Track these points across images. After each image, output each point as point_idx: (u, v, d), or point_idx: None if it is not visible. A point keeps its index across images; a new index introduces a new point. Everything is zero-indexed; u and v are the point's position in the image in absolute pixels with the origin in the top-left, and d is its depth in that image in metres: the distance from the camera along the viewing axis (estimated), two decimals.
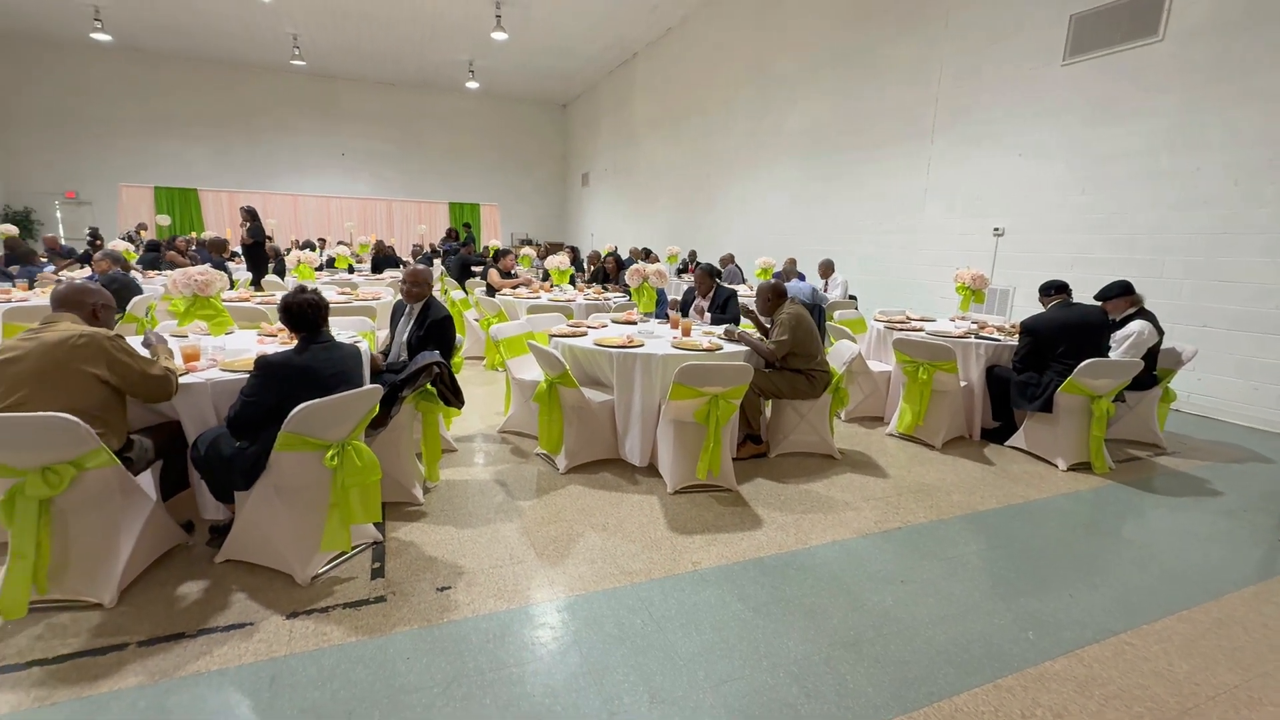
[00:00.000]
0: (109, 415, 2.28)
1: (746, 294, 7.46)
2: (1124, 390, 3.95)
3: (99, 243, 9.54)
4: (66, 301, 2.43)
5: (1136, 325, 4.08)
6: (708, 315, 4.94)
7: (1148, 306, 4.30)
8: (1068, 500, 3.48)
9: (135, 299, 5.05)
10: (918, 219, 7.39)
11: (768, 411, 4.14)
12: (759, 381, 3.75)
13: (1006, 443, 4.31)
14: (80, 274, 6.61)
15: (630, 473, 3.66)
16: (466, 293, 7.49)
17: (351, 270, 9.87)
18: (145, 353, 2.58)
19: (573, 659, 2.05)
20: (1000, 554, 2.84)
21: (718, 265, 9.21)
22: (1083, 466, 3.92)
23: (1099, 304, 4.22)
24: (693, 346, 3.70)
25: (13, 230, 8.65)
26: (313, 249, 11.15)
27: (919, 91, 7.23)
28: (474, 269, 8.50)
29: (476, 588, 2.45)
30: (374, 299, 5.87)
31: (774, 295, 3.98)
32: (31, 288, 5.37)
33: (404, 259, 11.59)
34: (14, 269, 6.71)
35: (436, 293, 4.92)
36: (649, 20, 12.14)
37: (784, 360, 3.80)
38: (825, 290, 7.38)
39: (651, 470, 3.67)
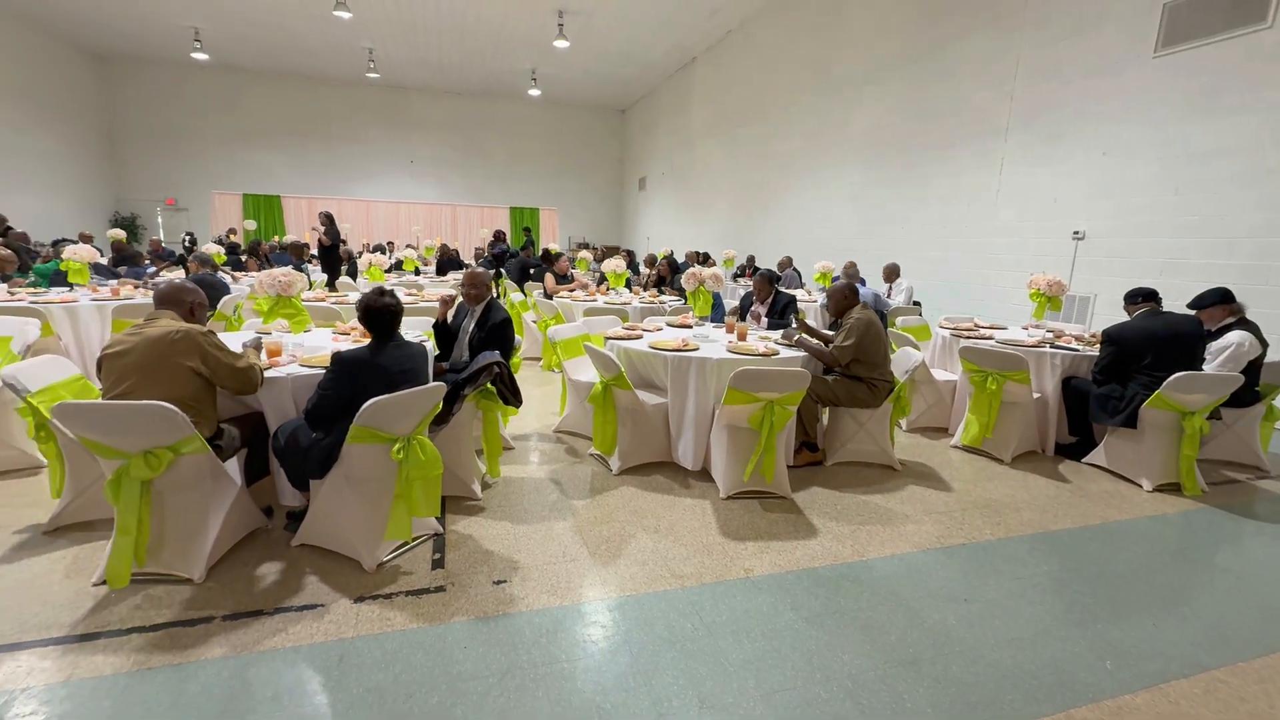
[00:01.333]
0: (202, 405, 2.47)
1: (805, 299, 7.33)
2: (1221, 407, 3.65)
3: (194, 246, 10.31)
4: (167, 299, 2.65)
5: (1236, 336, 3.76)
6: (764, 320, 4.87)
7: (1250, 316, 3.96)
8: (1153, 523, 3.24)
9: (224, 298, 5.44)
10: (989, 222, 7.06)
11: (825, 419, 4.05)
12: (817, 388, 3.68)
13: (1084, 459, 4.05)
14: (178, 274, 7.17)
15: (683, 476, 3.66)
16: (525, 295, 7.68)
17: (418, 272, 10.28)
18: (238, 349, 2.78)
19: (623, 659, 2.07)
20: (1075, 577, 2.67)
21: (775, 269, 9.09)
22: (1171, 488, 3.64)
23: (1193, 313, 3.91)
24: (748, 351, 3.67)
25: (121, 234, 9.47)
26: (382, 252, 11.69)
27: (992, 89, 6.91)
28: (531, 272, 8.70)
29: (531, 583, 2.51)
30: (438, 301, 6.09)
31: (843, 297, 3.87)
32: (137, 287, 5.87)
33: (466, 262, 11.98)
34: (122, 269, 7.35)
35: (496, 293, 5.06)
36: (709, 25, 12.12)
37: (846, 367, 3.70)
38: (889, 295, 7.16)
39: (704, 475, 3.65)
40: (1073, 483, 3.75)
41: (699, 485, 3.54)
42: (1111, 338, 3.83)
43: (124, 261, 7.76)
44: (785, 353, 3.76)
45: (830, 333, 4.06)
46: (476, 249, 14.06)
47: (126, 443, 2.21)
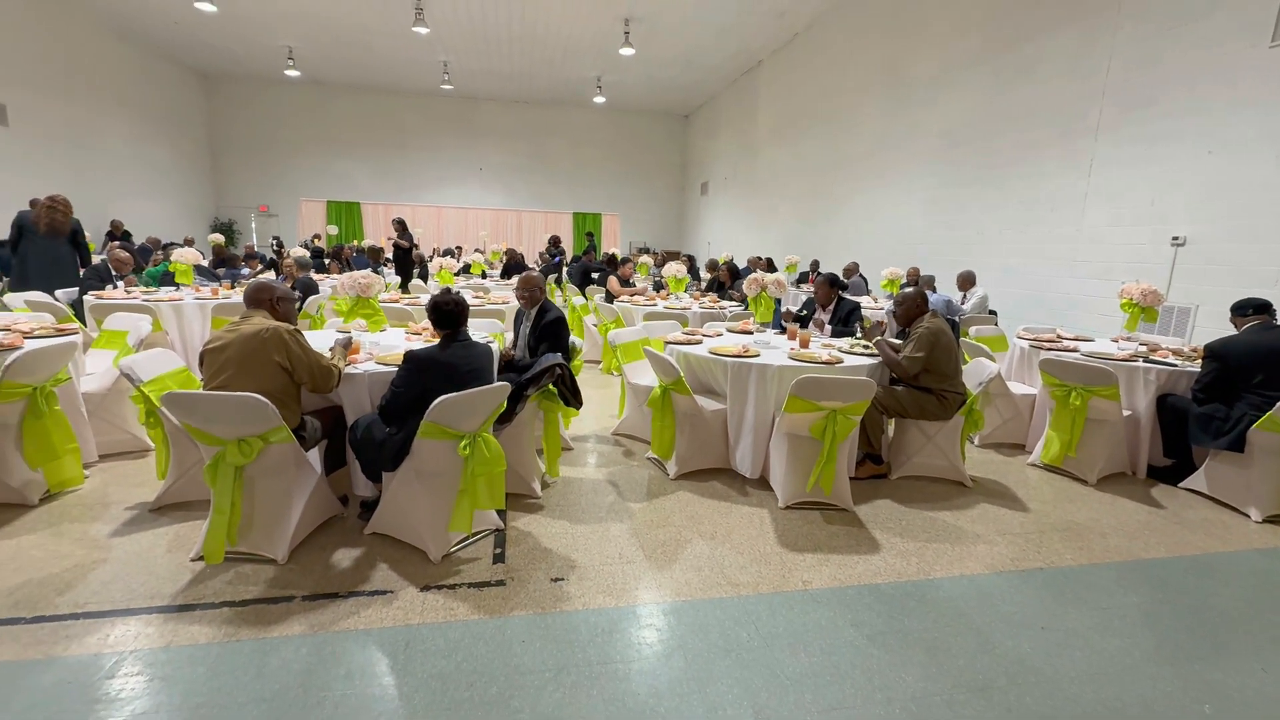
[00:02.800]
0: (288, 398, 2.64)
1: (871, 306, 7.12)
2: None
3: (282, 249, 11.04)
4: (251, 299, 2.84)
5: None
6: (828, 328, 4.76)
7: None
8: (1263, 557, 2.95)
9: (310, 298, 5.81)
10: (1075, 226, 6.63)
11: (890, 430, 3.91)
12: (882, 398, 3.56)
13: (1181, 484, 3.73)
14: (269, 275, 7.71)
15: (740, 483, 3.62)
16: (586, 299, 7.80)
17: (484, 275, 10.63)
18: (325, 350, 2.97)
19: (677, 663, 2.07)
20: (1169, 610, 2.47)
21: (841, 275, 8.86)
22: None
23: None
24: (811, 359, 3.59)
25: (220, 239, 10.27)
26: (452, 256, 12.16)
27: (1081, 84, 6.50)
28: (593, 276, 8.83)
29: (587, 582, 2.54)
30: (503, 303, 6.29)
31: (914, 304, 3.73)
32: (233, 287, 6.35)
33: (530, 266, 12.29)
34: (221, 271, 7.97)
35: (559, 299, 5.17)
36: (776, 27, 11.97)
37: (914, 377, 3.56)
38: (962, 303, 6.84)
39: (762, 483, 3.60)
40: (1167, 509, 3.47)
41: (757, 493, 3.49)
42: (1215, 353, 3.52)
43: (223, 264, 8.41)
44: (850, 361, 3.66)
45: (899, 342, 3.92)
46: (540, 253, 14.36)
47: (223, 430, 2.40)
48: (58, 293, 5.50)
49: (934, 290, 7.09)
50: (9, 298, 5.23)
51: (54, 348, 3.12)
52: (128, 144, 13.32)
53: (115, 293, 5.57)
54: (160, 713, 1.78)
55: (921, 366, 3.50)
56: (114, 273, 6.10)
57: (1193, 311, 5.53)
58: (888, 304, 7.18)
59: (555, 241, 13.01)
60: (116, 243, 8.72)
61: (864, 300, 7.52)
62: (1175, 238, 5.67)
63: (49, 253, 5.71)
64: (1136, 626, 2.35)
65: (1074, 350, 4.34)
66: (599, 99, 16.31)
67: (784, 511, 3.26)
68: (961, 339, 4.77)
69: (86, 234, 6.39)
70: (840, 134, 11.09)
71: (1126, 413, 3.84)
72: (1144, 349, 4.26)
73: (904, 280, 7.88)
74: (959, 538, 3.04)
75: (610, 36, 12.17)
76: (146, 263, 7.74)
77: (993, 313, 6.80)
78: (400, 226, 9.31)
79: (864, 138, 10.38)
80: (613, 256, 9.22)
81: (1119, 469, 3.92)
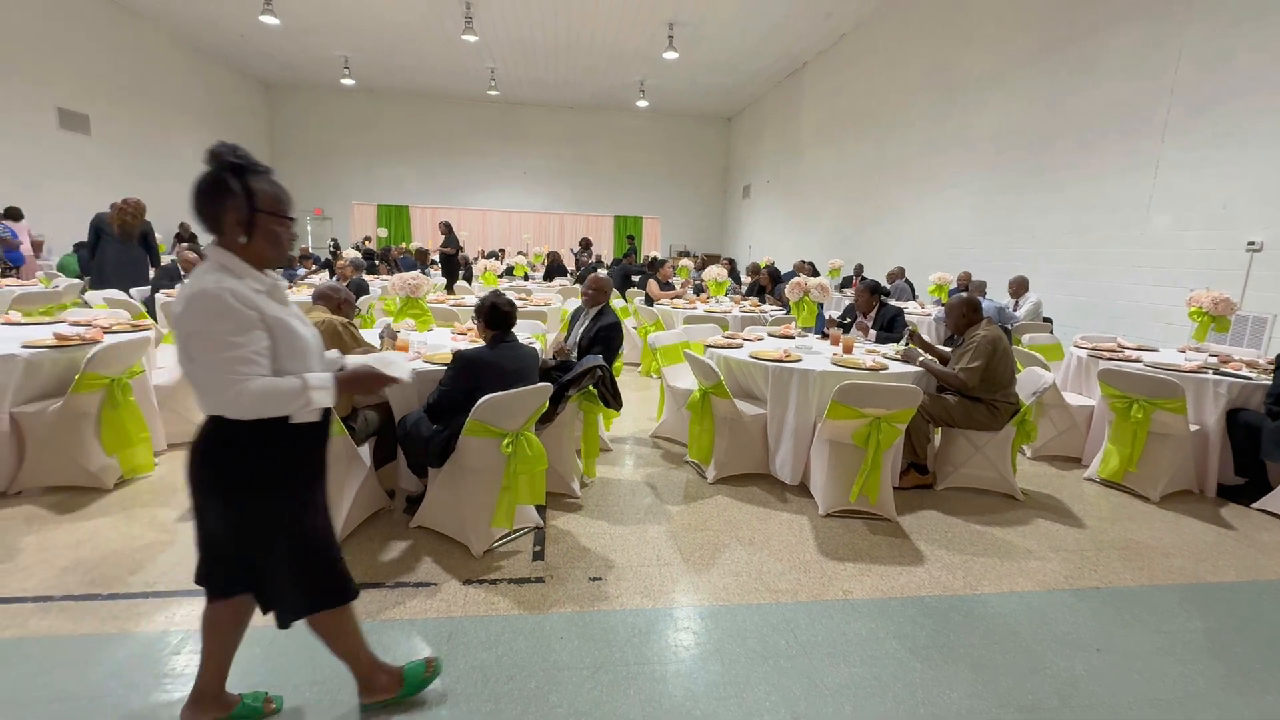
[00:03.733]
0: None
1: (917, 312, 6.94)
2: None
3: (337, 251, 11.47)
4: (320, 296, 3.01)
5: None
6: (873, 333, 4.67)
7: None
8: None
9: (362, 298, 6.03)
10: (1138, 230, 6.32)
11: (937, 439, 3.81)
12: (929, 407, 3.47)
13: (1254, 504, 3.52)
14: (323, 275, 8.03)
15: (780, 489, 3.58)
16: (627, 301, 7.85)
17: (527, 278, 10.81)
18: (376, 341, 3.08)
19: (714, 668, 2.06)
20: (1239, 638, 2.33)
21: (884, 280, 8.68)
22: None
23: None
24: (854, 365, 3.53)
25: None
26: (496, 258, 12.39)
27: (1146, 83, 6.20)
28: (634, 279, 8.88)
29: (625, 583, 2.56)
30: (545, 305, 6.38)
31: (968, 311, 3.60)
32: (290, 286, 6.65)
33: (571, 269, 12.43)
34: (280, 270, 8.33)
35: None
36: (822, 28, 11.81)
37: (969, 387, 3.44)
38: (1015, 309, 6.60)
39: (802, 489, 3.56)
40: (1238, 530, 3.27)
41: (796, 500, 3.45)
42: None
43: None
44: (895, 367, 3.58)
45: (946, 349, 3.81)
46: (576, 256, 14.20)
47: None
48: (132, 291, 5.86)
49: (984, 296, 6.87)
50: (89, 295, 5.60)
51: (130, 343, 3.33)
52: (196, 151, 13.97)
53: None
54: None
55: (980, 378, 3.38)
56: (182, 273, 6.45)
57: (1269, 321, 5.20)
58: (935, 310, 6.99)
59: (585, 244, 13.10)
60: (185, 245, 9.22)
61: (909, 305, 7.33)
62: (1251, 243, 5.35)
63: (124, 253, 6.09)
64: (1202, 653, 2.23)
65: (1136, 360, 4.14)
66: (642, 103, 16.40)
67: (824, 519, 3.21)
68: (1014, 347, 4.60)
69: (157, 235, 6.79)
70: (887, 136, 10.86)
71: (1194, 427, 3.64)
72: (1214, 360, 4.03)
73: (953, 285, 7.65)
74: (1009, 552, 2.93)
75: (654, 41, 12.23)
76: None
77: (1047, 320, 6.54)
78: (446, 230, 9.56)
79: (911, 139, 10.14)
80: (653, 259, 9.25)
81: (1185, 486, 3.72)
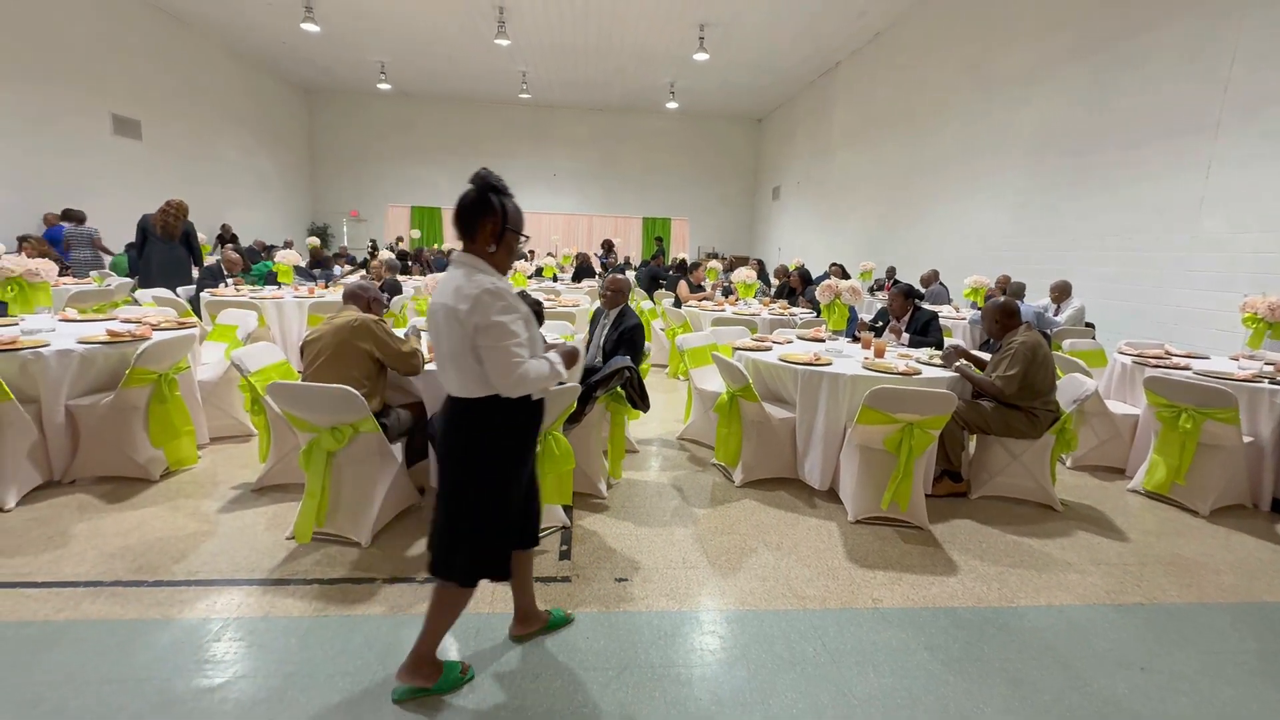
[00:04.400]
0: (373, 384, 2.83)
1: (952, 316, 6.79)
2: None
3: (375, 252, 11.73)
4: (350, 296, 3.08)
5: None
6: (906, 336, 4.58)
7: None
8: None
9: (395, 298, 6.15)
10: (1187, 233, 6.07)
11: (971, 447, 3.71)
12: (965, 413, 3.39)
13: None
14: (358, 275, 8.22)
15: (808, 494, 3.54)
16: (655, 303, 7.85)
17: (555, 279, 10.90)
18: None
19: (740, 673, 2.04)
20: None
21: (918, 283, 8.51)
22: None
23: None
24: (887, 369, 3.47)
25: (316, 242, 11.03)
26: (525, 259, 12.52)
27: (1198, 80, 5.95)
28: (661, 281, 8.88)
29: (651, 584, 2.56)
30: (573, 305, 6.42)
31: (1004, 316, 3.50)
32: (327, 286, 6.82)
33: (599, 270, 12.49)
34: (317, 271, 8.57)
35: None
36: (855, 27, 11.64)
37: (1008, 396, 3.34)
38: (1056, 314, 6.40)
39: (831, 495, 3.51)
40: None
41: (825, 505, 3.40)
42: None
43: (318, 265, 9.04)
44: (928, 372, 3.50)
45: (983, 354, 3.71)
46: (599, 258, 14.14)
47: (319, 418, 2.59)
48: (178, 290, 6.08)
49: (1022, 300, 6.68)
50: (139, 294, 5.83)
51: (176, 339, 3.46)
52: (239, 155, 14.56)
53: (226, 290, 6.10)
54: (258, 676, 1.93)
55: (1018, 386, 3.28)
56: (225, 272, 6.68)
57: None
58: (970, 313, 6.82)
59: (608, 246, 13.11)
60: (229, 245, 9.54)
61: (944, 309, 7.17)
62: None
63: (169, 254, 6.32)
64: (1255, 675, 2.12)
65: (1184, 368, 3.98)
66: (671, 104, 16.39)
67: (854, 526, 3.16)
68: (1054, 353, 4.46)
69: (201, 236, 7.03)
70: (922, 136, 10.65)
71: (1248, 439, 3.48)
72: (1270, 369, 3.84)
73: (989, 289, 7.46)
74: (1047, 564, 2.84)
75: (684, 42, 12.21)
76: (254, 264, 8.43)
77: (1090, 325, 6.32)
78: None
79: (948, 139, 9.92)
80: (683, 261, 9.23)
81: (1237, 500, 3.55)
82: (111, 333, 3.48)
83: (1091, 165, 7.16)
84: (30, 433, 3.05)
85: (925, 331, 4.60)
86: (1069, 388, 3.51)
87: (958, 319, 6.69)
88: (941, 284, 8.45)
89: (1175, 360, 4.22)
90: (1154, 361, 4.18)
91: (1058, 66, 7.65)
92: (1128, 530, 3.25)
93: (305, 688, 1.89)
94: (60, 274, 6.76)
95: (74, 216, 8.81)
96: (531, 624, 2.17)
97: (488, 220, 1.74)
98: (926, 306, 4.99)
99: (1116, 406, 4.21)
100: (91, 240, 8.51)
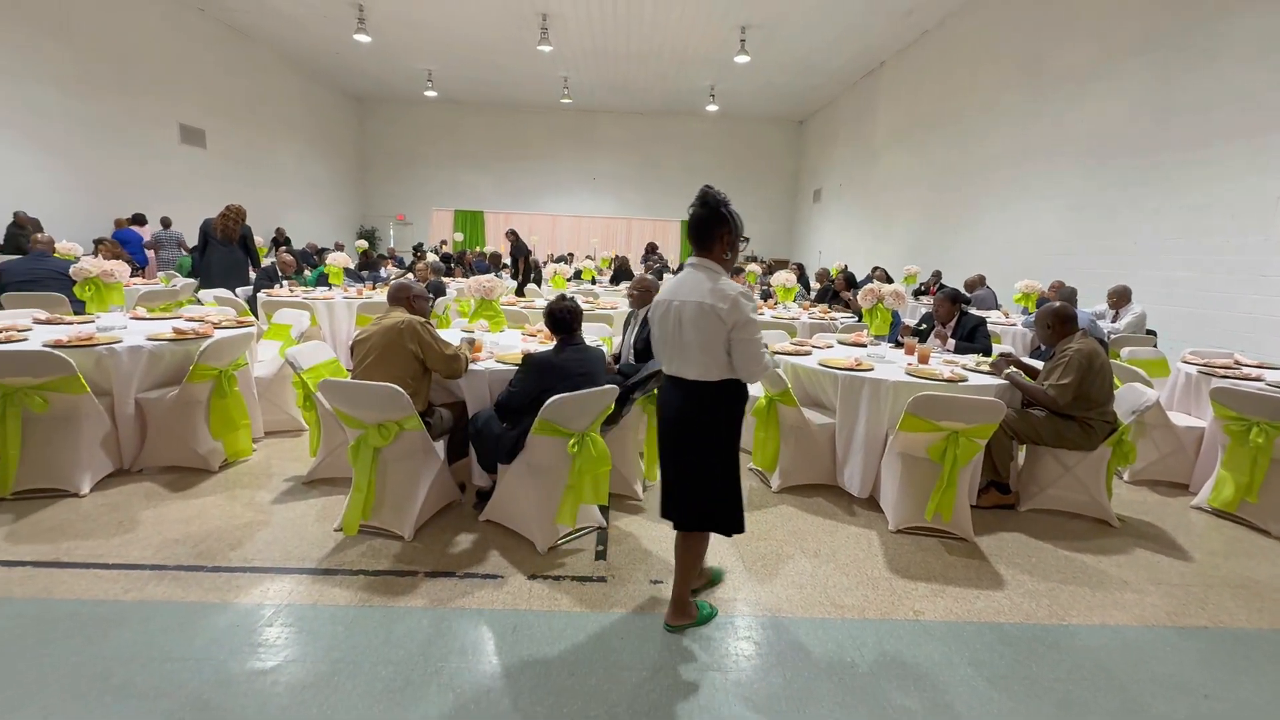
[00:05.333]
0: (418, 384, 2.92)
1: (1001, 322, 6.56)
2: None
3: (422, 255, 12.08)
4: (392, 297, 3.16)
5: None
6: (951, 343, 4.45)
7: None
8: None
9: (439, 299, 6.31)
10: (1262, 236, 5.72)
11: (1021, 457, 3.58)
12: (1014, 423, 3.27)
13: None
14: (407, 276, 8.48)
15: (847, 502, 3.47)
16: None
17: (594, 282, 11.00)
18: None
19: (775, 680, 2.02)
20: None
21: (963, 288, 8.25)
22: None
23: None
24: (931, 375, 3.38)
25: (365, 245, 11.44)
26: (565, 262, 12.68)
27: (1276, 72, 5.60)
28: None
29: None
30: (612, 308, 6.47)
31: (1059, 322, 3.34)
32: (374, 288, 7.05)
33: (638, 273, 12.54)
34: (365, 273, 8.86)
35: None
36: (901, 26, 11.39)
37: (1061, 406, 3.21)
38: (1114, 320, 6.11)
39: (871, 503, 3.43)
40: None
41: (865, 513, 3.33)
42: None
43: (367, 267, 9.35)
44: (975, 379, 3.40)
45: (1034, 362, 3.58)
46: (643, 261, 14.28)
47: (366, 415, 2.68)
48: (236, 290, 6.38)
49: (1074, 305, 6.40)
50: (202, 294, 6.14)
51: (236, 337, 3.63)
52: (294, 162, 15.20)
53: (281, 291, 6.37)
54: (307, 661, 2.01)
55: (1073, 395, 3.14)
56: (280, 274, 6.98)
57: None
58: (1020, 318, 6.58)
59: (652, 248, 13.16)
60: (283, 248, 9.96)
61: (992, 315, 6.94)
62: None
63: (228, 256, 6.63)
64: None
65: (1256, 379, 3.75)
66: (712, 107, 16.34)
67: (894, 535, 3.09)
68: (1112, 361, 4.27)
69: (258, 239, 7.36)
70: (970, 136, 10.34)
71: None
72: None
73: (1042, 294, 7.18)
74: (1101, 582, 2.72)
75: (725, 45, 12.17)
76: (307, 266, 8.79)
77: (1151, 332, 6.02)
78: (513, 237, 9.92)
79: (998, 139, 9.60)
80: None
81: None
82: (177, 331, 3.68)
83: (1155, 165, 6.83)
84: (104, 423, 3.26)
85: (972, 338, 4.45)
86: (1128, 398, 3.36)
87: (1007, 325, 6.46)
88: (988, 288, 8.18)
89: (1245, 371, 3.98)
90: (1222, 371, 3.96)
91: (1119, 61, 7.32)
92: (1191, 549, 3.08)
93: (351, 674, 1.96)
94: (132, 274, 7.18)
95: (141, 221, 9.37)
96: (684, 616, 2.28)
97: (723, 231, 2.09)
98: (974, 312, 4.84)
99: (1179, 418, 4.00)
100: (178, 242, 9.14)
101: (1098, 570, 2.83)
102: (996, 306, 7.86)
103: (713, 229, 2.09)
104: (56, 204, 8.77)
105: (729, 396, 2.08)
